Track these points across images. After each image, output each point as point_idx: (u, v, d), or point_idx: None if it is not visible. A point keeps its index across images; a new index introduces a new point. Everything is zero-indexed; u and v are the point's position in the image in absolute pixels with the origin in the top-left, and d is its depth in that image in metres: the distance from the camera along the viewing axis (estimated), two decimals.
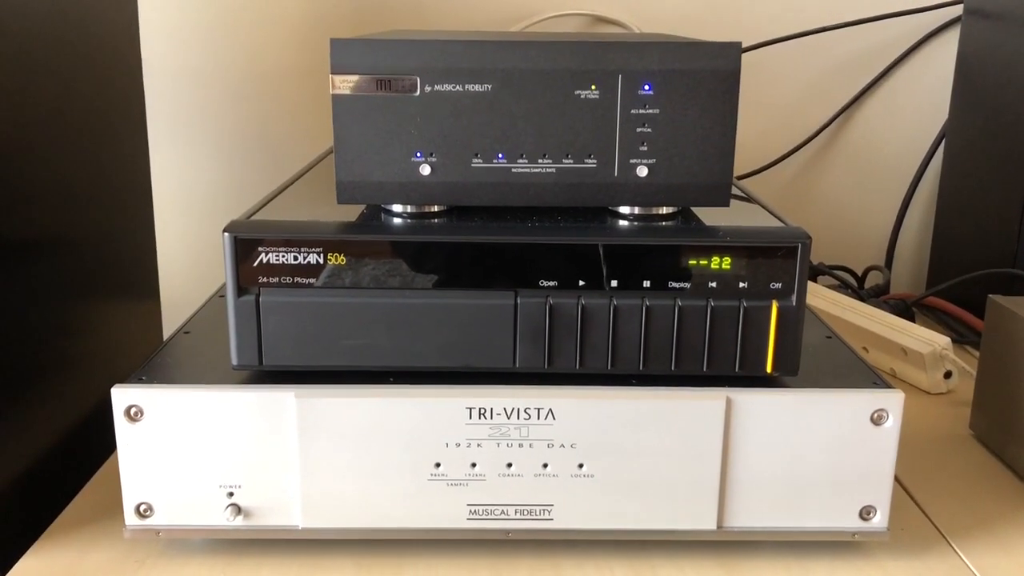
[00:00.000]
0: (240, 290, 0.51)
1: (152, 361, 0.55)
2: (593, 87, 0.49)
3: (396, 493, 0.52)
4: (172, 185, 1.00)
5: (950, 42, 1.01)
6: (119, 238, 0.73)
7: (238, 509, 0.52)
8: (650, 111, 0.49)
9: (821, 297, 0.87)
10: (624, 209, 0.53)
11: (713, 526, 0.53)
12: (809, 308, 0.62)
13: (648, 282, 0.51)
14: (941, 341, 0.76)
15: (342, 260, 0.50)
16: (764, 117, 1.03)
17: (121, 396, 0.51)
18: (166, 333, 0.84)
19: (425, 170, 0.50)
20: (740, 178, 1.01)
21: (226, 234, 0.50)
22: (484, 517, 0.53)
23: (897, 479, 0.62)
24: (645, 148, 0.50)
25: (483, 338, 0.51)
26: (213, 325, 0.61)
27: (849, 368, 0.56)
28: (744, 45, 0.97)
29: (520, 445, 0.52)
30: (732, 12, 1.00)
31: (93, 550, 0.54)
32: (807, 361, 0.53)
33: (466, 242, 0.50)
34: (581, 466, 0.52)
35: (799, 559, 0.54)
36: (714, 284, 0.51)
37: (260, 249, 0.50)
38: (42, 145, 0.60)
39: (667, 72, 0.49)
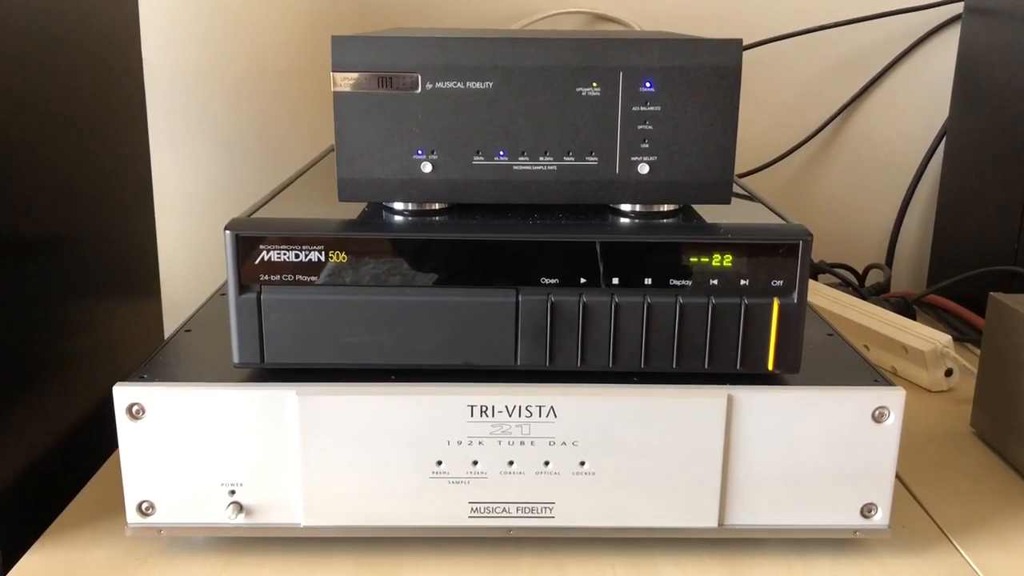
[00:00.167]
0: (241, 288, 0.51)
1: (153, 359, 0.55)
2: (594, 84, 0.49)
3: (398, 491, 0.52)
4: (173, 183, 1.00)
5: (951, 40, 1.01)
6: (120, 237, 0.73)
7: (240, 507, 0.52)
8: (651, 108, 0.49)
9: (822, 295, 0.87)
10: (625, 206, 0.53)
11: (715, 523, 0.53)
12: (810, 306, 0.62)
13: (649, 279, 0.51)
14: (942, 339, 0.76)
15: (343, 258, 0.50)
16: (765, 115, 1.03)
17: (122, 394, 0.51)
18: (167, 331, 0.84)
19: (426, 167, 0.50)
20: (741, 176, 1.01)
21: (227, 232, 0.50)
22: (486, 515, 0.53)
23: (898, 476, 0.62)
24: (646, 145, 0.50)
25: (484, 336, 0.51)
26: (214, 323, 0.61)
27: (850, 366, 0.56)
28: (745, 43, 0.97)
29: (522, 443, 0.52)
30: (733, 10, 1.00)
31: (95, 548, 0.54)
32: (808, 359, 0.53)
33: (467, 240, 0.50)
34: (583, 464, 0.52)
35: (800, 556, 0.54)
36: (715, 281, 0.51)
37: (261, 247, 0.50)
38: (43, 144, 0.60)
39: (668, 69, 0.49)
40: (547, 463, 0.52)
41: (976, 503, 0.60)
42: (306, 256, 0.50)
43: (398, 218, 0.52)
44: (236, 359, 0.52)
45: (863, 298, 0.89)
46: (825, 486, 0.53)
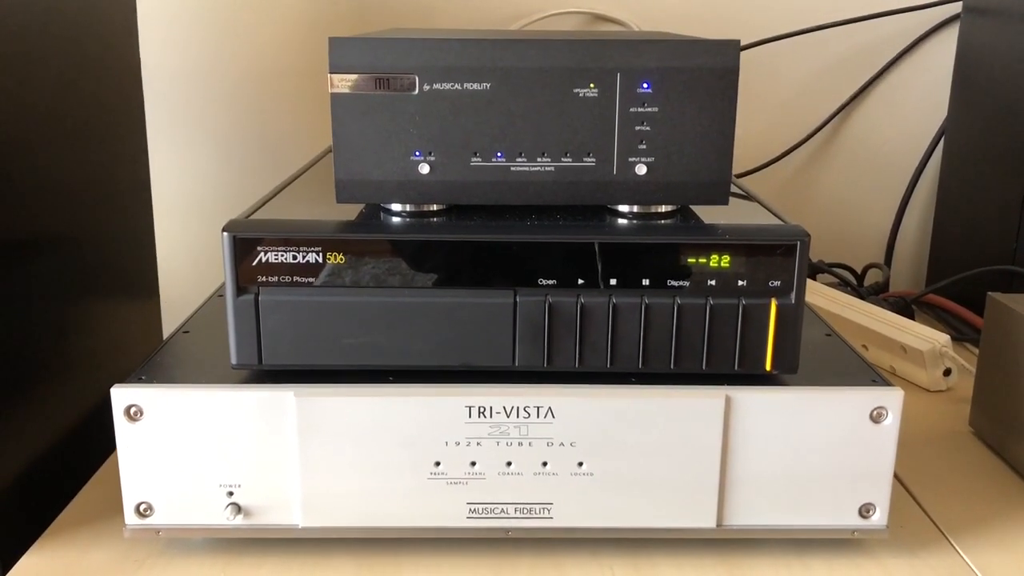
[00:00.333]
0: (239, 289, 0.51)
1: (152, 360, 0.55)
2: (592, 85, 0.49)
3: (396, 492, 0.52)
4: (171, 185, 1.00)
5: (949, 39, 1.01)
6: (119, 238, 0.73)
7: (238, 508, 0.52)
8: (649, 109, 0.49)
9: (820, 295, 0.87)
10: (623, 207, 0.53)
11: (713, 524, 0.53)
12: (809, 306, 0.62)
13: (647, 280, 0.51)
14: (940, 338, 0.76)
15: (341, 259, 0.50)
16: (763, 115, 1.03)
17: (121, 396, 0.51)
18: (166, 333, 0.84)
19: (424, 169, 0.50)
20: (739, 176, 1.01)
21: (225, 233, 0.50)
22: (484, 516, 0.53)
23: (896, 477, 0.62)
24: (644, 146, 0.50)
25: (482, 337, 0.51)
26: (212, 324, 0.61)
27: (848, 366, 0.56)
28: (743, 43, 0.97)
29: (520, 444, 0.52)
30: (731, 10, 1.00)
31: (93, 549, 0.54)
32: (806, 359, 0.53)
33: (465, 241, 0.50)
34: (581, 464, 0.52)
35: (799, 556, 0.54)
36: (713, 282, 0.51)
37: (259, 248, 0.50)
38: (41, 145, 0.60)
39: (666, 70, 0.49)
40: (545, 464, 0.52)
41: (975, 503, 0.60)
42: (304, 257, 0.50)
43: (396, 219, 0.52)
44: (234, 360, 0.52)
45: (862, 298, 0.89)
46: (823, 486, 0.53)
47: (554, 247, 0.50)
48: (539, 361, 0.52)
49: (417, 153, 0.50)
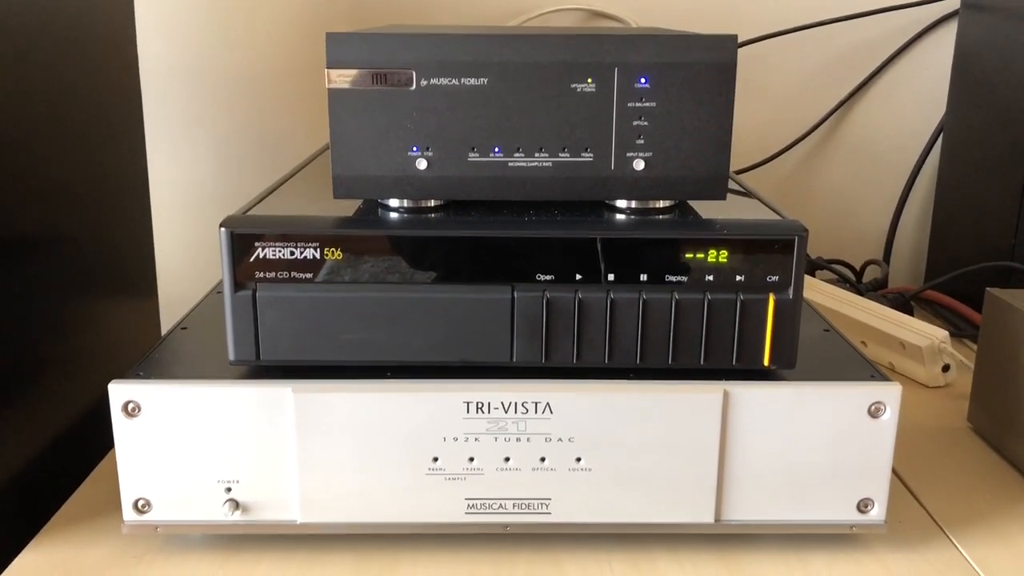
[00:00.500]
0: (237, 285, 0.51)
1: (149, 357, 0.55)
2: (589, 80, 0.49)
3: (394, 487, 0.52)
4: (169, 182, 1.00)
5: (948, 36, 1.01)
6: (117, 235, 0.73)
7: (236, 504, 0.52)
8: (646, 104, 0.49)
9: (819, 291, 0.87)
10: (621, 203, 0.53)
11: (711, 519, 0.53)
12: (807, 302, 0.62)
13: (645, 276, 0.51)
14: (939, 334, 0.77)
15: (339, 255, 0.50)
16: (762, 111, 1.03)
17: (119, 392, 0.51)
18: (163, 329, 0.84)
19: (421, 164, 0.50)
20: (739, 172, 1.01)
21: (223, 229, 0.50)
22: (482, 511, 0.53)
23: (895, 472, 0.62)
24: (641, 141, 0.50)
25: (480, 332, 0.51)
26: (210, 321, 0.61)
27: (847, 361, 0.56)
28: (742, 39, 0.97)
29: (518, 439, 0.52)
30: (729, 6, 1.00)
31: (91, 546, 0.54)
32: (805, 354, 0.53)
33: (463, 236, 0.50)
34: (579, 460, 0.52)
35: (797, 552, 0.54)
36: (711, 277, 0.51)
37: (257, 244, 0.50)
38: (39, 143, 0.60)
39: (663, 65, 0.49)
40: (543, 459, 0.52)
41: (973, 498, 0.60)
42: (301, 253, 0.50)
43: (393, 215, 0.52)
44: (232, 356, 0.52)
45: (860, 294, 0.89)
46: (822, 481, 0.53)
47: (552, 243, 0.50)
48: (537, 357, 0.52)
49: (414, 148, 0.50)
